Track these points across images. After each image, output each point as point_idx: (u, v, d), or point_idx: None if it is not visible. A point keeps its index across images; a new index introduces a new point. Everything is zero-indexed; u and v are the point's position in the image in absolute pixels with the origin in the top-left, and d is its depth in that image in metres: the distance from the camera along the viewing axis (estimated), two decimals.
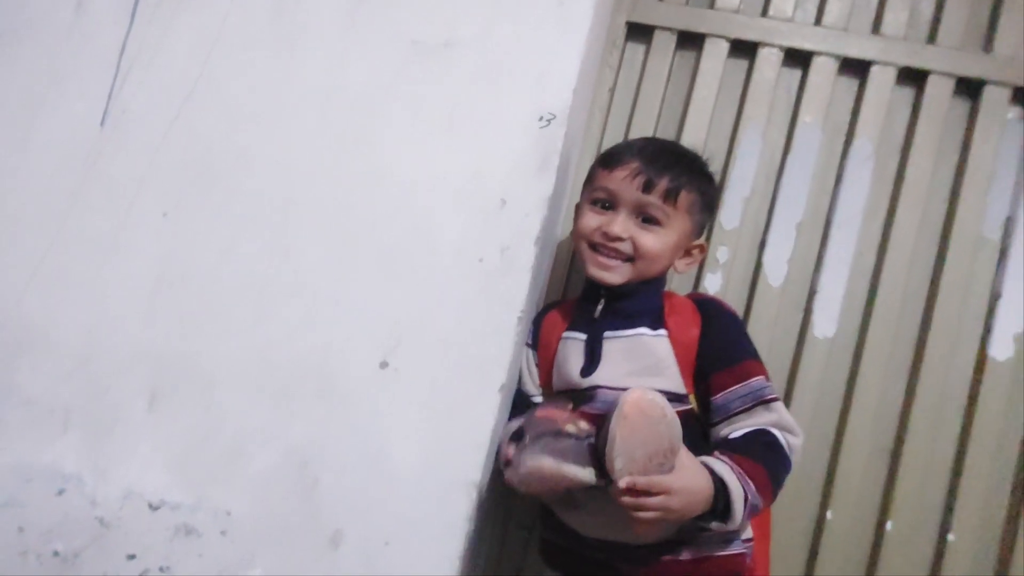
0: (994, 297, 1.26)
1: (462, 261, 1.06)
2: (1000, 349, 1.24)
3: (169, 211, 1.13)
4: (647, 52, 1.38)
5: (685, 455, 0.90)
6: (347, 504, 1.03)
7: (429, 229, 1.07)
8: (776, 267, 1.31)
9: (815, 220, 1.32)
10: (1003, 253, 1.27)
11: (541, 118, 1.07)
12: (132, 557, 1.06)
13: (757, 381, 1.01)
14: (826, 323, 1.29)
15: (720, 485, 0.91)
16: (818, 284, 1.30)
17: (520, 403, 1.11)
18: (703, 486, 0.90)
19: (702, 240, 1.13)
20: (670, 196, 1.04)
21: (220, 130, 1.14)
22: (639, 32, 1.39)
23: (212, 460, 1.07)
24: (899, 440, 1.25)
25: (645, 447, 0.86)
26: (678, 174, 1.04)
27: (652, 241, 1.04)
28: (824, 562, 1.23)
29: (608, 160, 1.09)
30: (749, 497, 0.91)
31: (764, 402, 0.99)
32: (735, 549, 1.01)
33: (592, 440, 0.92)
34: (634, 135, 1.35)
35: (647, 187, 1.03)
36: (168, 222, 1.13)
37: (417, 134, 1.10)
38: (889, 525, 1.22)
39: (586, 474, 0.89)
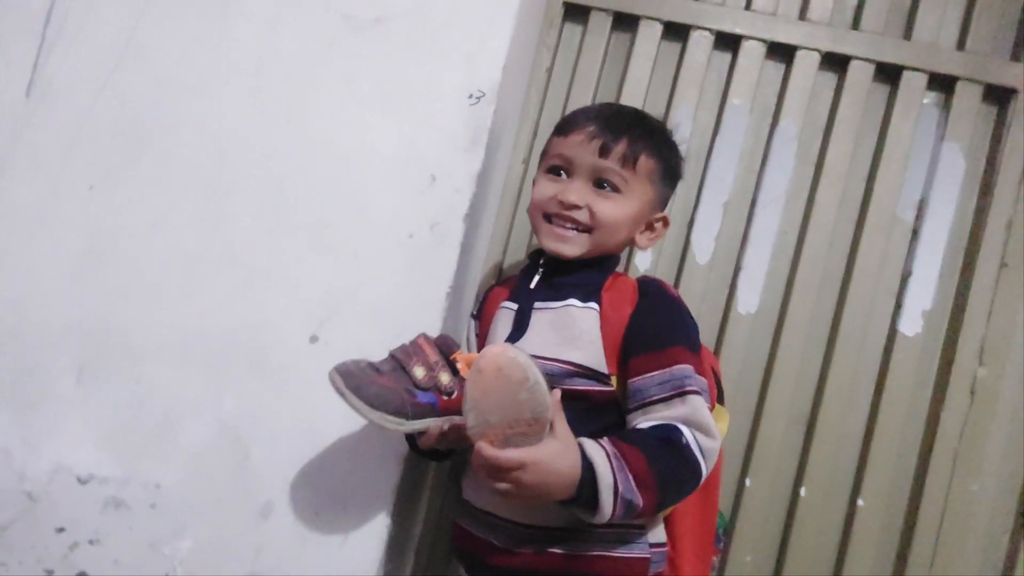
0: (905, 275, 1.31)
1: (392, 236, 1.07)
2: (909, 325, 1.30)
3: (96, 183, 1.12)
4: (584, 33, 1.39)
5: (562, 430, 0.80)
6: (278, 476, 1.04)
7: (360, 203, 1.08)
8: (703, 245, 1.34)
9: (741, 200, 1.35)
10: (915, 233, 1.32)
11: (471, 95, 1.08)
12: (61, 530, 1.06)
13: (680, 369, 0.89)
14: (750, 299, 1.33)
15: (588, 469, 0.80)
16: (743, 261, 1.33)
17: None
18: (568, 467, 0.79)
19: (665, 212, 1.05)
20: (628, 161, 0.97)
21: (149, 100, 1.13)
22: (576, 13, 1.40)
23: (142, 434, 1.07)
24: (815, 411, 1.29)
25: (501, 411, 0.76)
26: (637, 137, 0.97)
27: (610, 209, 0.97)
28: (743, 527, 1.28)
29: (564, 126, 1.02)
30: (621, 489, 0.80)
31: (682, 393, 0.88)
32: (635, 552, 0.91)
33: (413, 390, 0.87)
34: None
35: (603, 151, 0.96)
36: (95, 194, 1.12)
37: (349, 107, 1.10)
38: (803, 491, 1.27)
39: (392, 422, 0.85)
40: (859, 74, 1.33)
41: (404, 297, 1.06)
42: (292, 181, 1.10)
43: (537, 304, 0.99)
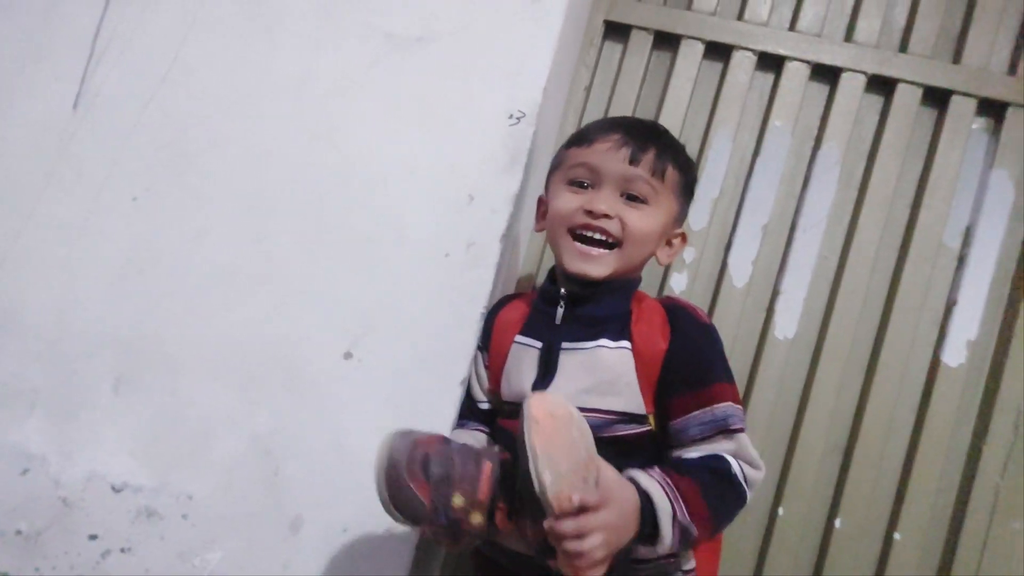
0: (950, 304, 1.28)
1: (429, 255, 1.07)
2: (953, 355, 1.26)
3: (139, 195, 1.14)
4: (624, 51, 1.38)
5: (607, 468, 0.78)
6: (308, 492, 1.05)
7: (397, 221, 1.09)
8: (741, 268, 1.32)
9: (781, 223, 1.33)
10: (961, 261, 1.29)
11: (511, 116, 1.08)
12: (94, 537, 1.08)
13: (723, 408, 0.87)
14: (787, 324, 1.30)
15: (645, 500, 0.78)
16: (781, 286, 1.31)
17: (467, 408, 1.04)
18: (630, 498, 0.77)
19: (683, 229, 1.01)
20: (658, 171, 0.93)
21: (193, 115, 1.15)
22: (616, 31, 1.39)
23: (176, 445, 1.08)
24: (852, 440, 1.27)
25: (567, 456, 0.73)
26: (664, 148, 0.94)
27: (641, 220, 0.92)
28: (773, 558, 1.25)
29: (582, 137, 0.98)
30: (678, 516, 0.78)
31: (726, 431, 0.86)
32: None
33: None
34: None
35: (633, 159, 0.92)
36: (138, 206, 1.14)
37: (389, 127, 1.11)
38: (838, 522, 1.25)
39: (400, 522, 0.82)
40: (906, 98, 1.31)
41: (439, 316, 1.05)
42: (331, 198, 1.10)
43: (565, 344, 0.93)
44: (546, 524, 0.72)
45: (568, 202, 0.94)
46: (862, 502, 1.25)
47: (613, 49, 1.41)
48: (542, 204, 1.03)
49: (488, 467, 0.83)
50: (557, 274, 0.99)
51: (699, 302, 1.31)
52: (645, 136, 0.94)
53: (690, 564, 0.92)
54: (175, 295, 1.11)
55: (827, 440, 1.27)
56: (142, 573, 1.06)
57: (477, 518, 0.81)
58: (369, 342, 1.06)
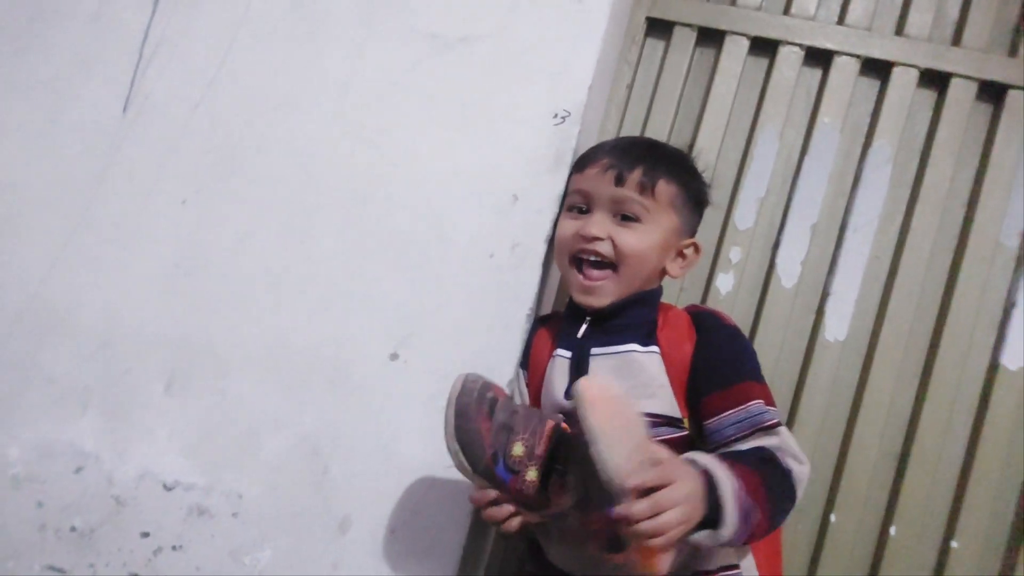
0: (1009, 306, 1.25)
1: (473, 255, 1.07)
2: (1012, 358, 1.23)
3: (189, 198, 1.16)
4: (666, 48, 1.38)
5: (663, 449, 0.77)
6: (356, 492, 1.06)
7: (442, 222, 1.09)
8: (789, 268, 1.31)
9: (830, 222, 1.31)
10: (1020, 261, 1.26)
11: (556, 115, 1.07)
12: (146, 535, 1.10)
13: (755, 405, 0.88)
14: (838, 326, 1.29)
15: (708, 479, 0.76)
16: (831, 287, 1.30)
17: None
18: (695, 474, 0.76)
19: (695, 240, 1.02)
20: (647, 188, 0.95)
21: (240, 119, 1.16)
22: (659, 28, 1.39)
23: (226, 444, 1.10)
24: (907, 445, 1.25)
25: (629, 434, 0.72)
26: (653, 164, 0.96)
27: (633, 239, 0.95)
28: (826, 565, 1.23)
29: (580, 163, 1.03)
30: (740, 496, 0.76)
31: (763, 428, 0.87)
32: None
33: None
34: (651, 132, 1.35)
35: (619, 180, 0.95)
36: (187, 209, 1.16)
37: (432, 128, 1.11)
38: (893, 530, 1.23)
39: (460, 463, 0.84)
40: (960, 92, 1.28)
41: (484, 317, 1.06)
42: (375, 200, 1.11)
43: (594, 350, 0.96)
44: (617, 511, 0.71)
45: (566, 229, 1.00)
46: (918, 509, 1.23)
47: (655, 46, 1.40)
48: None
49: (551, 425, 0.85)
50: None
51: (746, 303, 1.31)
52: (633, 156, 0.97)
53: (752, 572, 0.91)
54: (224, 296, 1.13)
55: (880, 446, 1.26)
56: (193, 571, 1.07)
57: (532, 474, 0.83)
58: (415, 343, 1.07)
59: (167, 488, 1.10)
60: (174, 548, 1.09)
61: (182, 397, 1.12)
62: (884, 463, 1.25)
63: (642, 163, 0.95)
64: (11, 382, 1.16)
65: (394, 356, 1.07)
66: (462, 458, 0.83)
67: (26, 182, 1.20)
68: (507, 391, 0.91)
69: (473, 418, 0.83)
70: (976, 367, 1.25)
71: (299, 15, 1.16)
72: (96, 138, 1.19)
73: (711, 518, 0.76)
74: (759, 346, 1.27)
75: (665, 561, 0.73)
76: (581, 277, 0.97)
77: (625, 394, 0.76)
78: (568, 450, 0.82)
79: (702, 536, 0.77)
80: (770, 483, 0.81)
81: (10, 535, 1.12)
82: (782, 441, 0.86)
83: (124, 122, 1.19)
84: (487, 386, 0.87)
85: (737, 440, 0.87)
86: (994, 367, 1.24)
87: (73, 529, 1.11)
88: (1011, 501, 1.22)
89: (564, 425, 0.86)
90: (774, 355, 1.28)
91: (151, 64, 1.20)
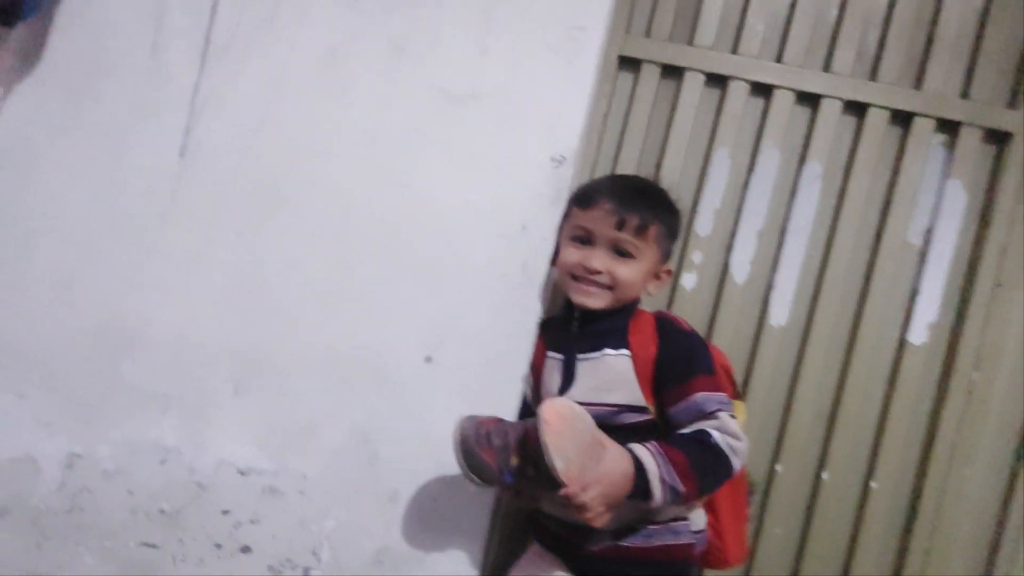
0: (914, 292, 1.50)
1: (490, 275, 1.28)
2: (916, 335, 1.49)
3: (243, 230, 1.33)
4: (635, 82, 1.57)
5: (611, 444, 1.03)
6: (402, 470, 1.27)
7: (462, 249, 1.29)
8: (740, 267, 1.53)
9: (773, 228, 1.53)
10: (923, 256, 1.50)
11: (553, 159, 1.29)
12: (226, 512, 1.29)
13: (700, 396, 1.08)
14: (780, 314, 1.52)
15: (639, 466, 1.01)
16: (775, 281, 1.52)
17: (527, 414, 1.23)
18: (625, 467, 1.01)
19: (669, 265, 1.23)
20: (641, 231, 1.15)
21: (284, 162, 1.33)
22: (629, 65, 1.57)
23: (289, 435, 1.29)
24: (835, 407, 1.50)
25: (575, 444, 0.97)
26: (646, 211, 1.16)
27: (627, 272, 1.16)
28: (773, 505, 1.50)
29: (583, 200, 1.20)
30: (666, 478, 1.00)
31: (706, 415, 1.08)
32: (684, 539, 1.15)
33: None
34: (623, 157, 1.56)
35: (620, 225, 1.15)
36: (242, 239, 1.33)
37: (450, 169, 1.30)
38: (825, 475, 1.49)
39: (477, 484, 1.09)
40: (876, 119, 1.51)
41: (501, 325, 1.27)
42: (404, 230, 1.29)
43: (579, 356, 1.18)
44: (562, 492, 0.98)
45: (571, 255, 1.19)
46: (844, 458, 1.49)
47: (626, 80, 1.59)
48: (557, 248, 1.26)
49: (531, 427, 1.07)
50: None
51: (706, 297, 1.54)
52: (631, 202, 1.17)
53: (699, 525, 1.18)
54: (278, 313, 1.31)
55: (815, 408, 1.50)
56: (269, 540, 1.28)
57: (531, 471, 1.06)
58: (446, 348, 1.28)
59: (242, 473, 1.29)
60: (252, 522, 1.28)
61: (248, 398, 1.30)
62: (817, 422, 1.50)
63: (639, 211, 1.15)
64: (97, 390, 1.31)
65: (428, 359, 1.28)
66: (478, 481, 1.08)
67: (97, 218, 1.33)
68: (494, 416, 1.16)
69: (476, 452, 1.07)
70: (888, 343, 1.50)
71: (332, 73, 1.32)
72: (157, 179, 1.32)
73: (642, 490, 1.02)
74: (718, 332, 1.51)
75: (604, 518, 1.02)
76: (581, 284, 1.18)
77: (579, 410, 1.02)
78: (536, 454, 1.05)
79: (636, 503, 1.03)
80: (695, 460, 1.04)
81: (105, 520, 1.29)
82: (721, 424, 1.07)
83: (182, 165, 1.33)
84: (478, 424, 1.10)
85: (686, 424, 1.09)
86: (902, 343, 1.50)
87: (162, 511, 1.29)
88: (917, 449, 1.49)
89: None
90: (729, 339, 1.51)
91: (202, 115, 1.35)
